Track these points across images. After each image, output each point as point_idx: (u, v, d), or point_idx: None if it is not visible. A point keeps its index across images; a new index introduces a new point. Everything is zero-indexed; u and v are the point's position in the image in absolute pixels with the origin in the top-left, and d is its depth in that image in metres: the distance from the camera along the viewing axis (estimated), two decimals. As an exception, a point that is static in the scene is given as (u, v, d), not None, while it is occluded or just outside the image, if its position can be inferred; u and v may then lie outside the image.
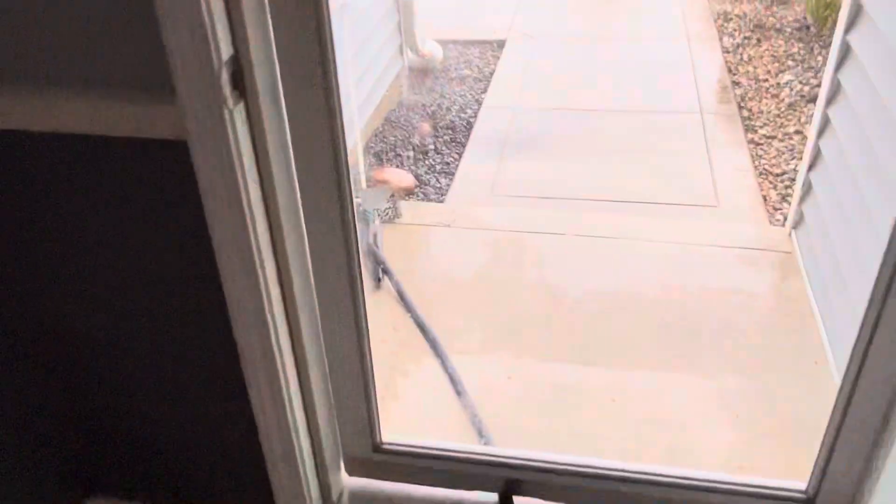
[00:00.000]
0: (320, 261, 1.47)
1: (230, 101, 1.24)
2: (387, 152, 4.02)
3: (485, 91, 4.67)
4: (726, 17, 5.52)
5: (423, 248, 3.05)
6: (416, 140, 4.12)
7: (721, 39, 5.17)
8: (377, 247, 2.95)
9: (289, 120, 1.39)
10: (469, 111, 4.42)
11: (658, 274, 2.91)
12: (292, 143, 1.41)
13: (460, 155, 3.97)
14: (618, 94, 4.49)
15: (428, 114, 4.39)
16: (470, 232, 3.15)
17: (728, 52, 4.99)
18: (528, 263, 2.98)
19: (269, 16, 1.26)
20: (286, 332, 1.46)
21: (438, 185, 3.72)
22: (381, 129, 4.25)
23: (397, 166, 3.88)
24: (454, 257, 3.01)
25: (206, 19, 1.12)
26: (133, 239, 1.27)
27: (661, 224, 3.19)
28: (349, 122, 3.44)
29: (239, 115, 1.28)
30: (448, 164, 3.90)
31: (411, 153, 4.01)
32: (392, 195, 3.24)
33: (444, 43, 5.24)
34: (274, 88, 1.30)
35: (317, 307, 1.52)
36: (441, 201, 3.59)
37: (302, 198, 1.43)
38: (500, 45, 5.28)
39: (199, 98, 1.21)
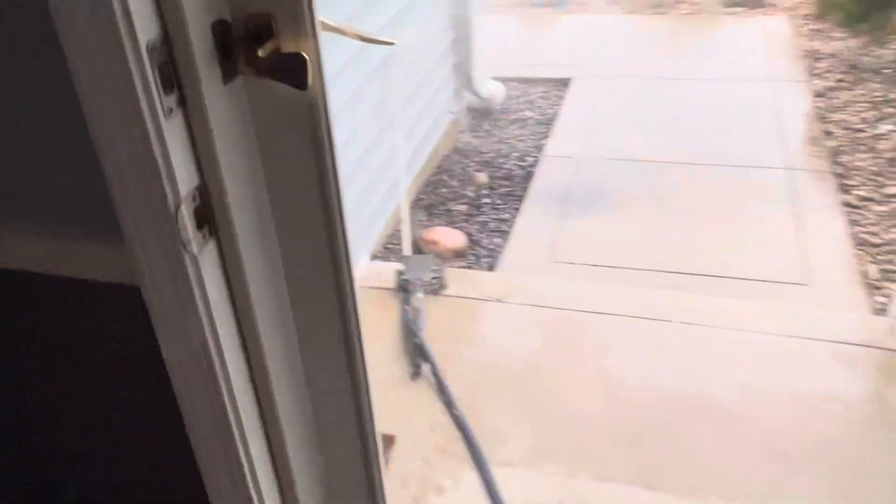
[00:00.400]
0: (326, 429, 1.17)
1: (194, 245, 0.95)
2: (438, 206, 3.74)
3: (546, 136, 4.35)
4: (815, 56, 5.05)
5: (469, 327, 2.73)
6: (470, 192, 3.81)
7: (810, 82, 4.72)
8: (418, 328, 2.64)
9: (282, 258, 1.09)
10: (529, 159, 4.11)
11: (737, 372, 2.52)
12: (287, 286, 1.11)
13: (517, 211, 3.65)
14: (693, 143, 4.09)
15: (485, 162, 4.09)
16: (523, 309, 2.81)
17: (818, 96, 4.54)
18: (588, 350, 2.62)
19: (250, 134, 0.97)
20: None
21: (492, 247, 3.41)
22: (434, 178, 3.97)
23: (448, 223, 3.58)
24: (504, 340, 2.67)
25: (156, 146, 0.83)
26: (86, 379, 1.14)
27: (740, 308, 2.79)
28: (394, 184, 3.16)
29: (208, 257, 0.98)
30: (503, 221, 3.59)
31: (464, 207, 3.71)
32: (438, 264, 2.92)
33: (505, 81, 4.95)
34: (258, 222, 1.01)
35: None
36: (493, 267, 3.27)
37: (301, 350, 1.14)
38: (565, 84, 4.96)
39: (151, 240, 0.93)
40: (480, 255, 3.33)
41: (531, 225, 3.50)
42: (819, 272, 3.10)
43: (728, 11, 5.83)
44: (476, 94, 4.33)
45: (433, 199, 3.76)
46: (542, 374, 2.54)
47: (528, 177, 3.91)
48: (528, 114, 4.62)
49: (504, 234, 3.47)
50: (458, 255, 3.31)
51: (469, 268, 3.27)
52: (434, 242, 3.30)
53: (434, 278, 2.88)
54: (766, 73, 4.84)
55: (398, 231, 3.27)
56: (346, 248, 1.12)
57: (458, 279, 2.99)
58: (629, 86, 4.80)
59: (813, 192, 3.63)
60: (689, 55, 5.17)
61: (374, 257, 3.28)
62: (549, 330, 2.72)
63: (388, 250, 3.34)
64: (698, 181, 3.77)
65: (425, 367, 2.53)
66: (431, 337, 2.69)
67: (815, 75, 4.80)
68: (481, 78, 4.38)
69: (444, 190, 3.83)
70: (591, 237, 3.38)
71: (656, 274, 3.14)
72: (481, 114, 4.56)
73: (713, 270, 3.15)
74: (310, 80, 0.95)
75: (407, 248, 3.14)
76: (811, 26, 5.48)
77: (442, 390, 2.46)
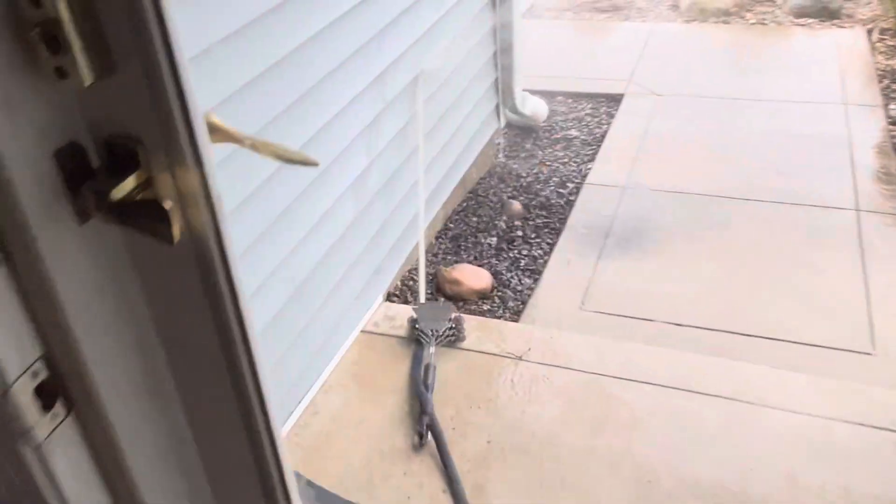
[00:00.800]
0: None
1: (37, 431, 0.72)
2: (466, 237, 3.48)
3: (592, 160, 4.04)
4: (894, 76, 4.59)
5: (483, 388, 2.46)
6: (503, 222, 3.54)
7: (886, 107, 4.28)
8: (427, 388, 2.39)
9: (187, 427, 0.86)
10: (570, 185, 3.82)
11: (783, 463, 2.20)
12: (193, 463, 0.87)
13: (551, 247, 3.37)
14: (752, 175, 3.73)
15: (522, 187, 3.82)
16: (545, 370, 2.54)
17: (894, 124, 4.10)
18: (613, 425, 2.34)
19: (123, 281, 0.73)
20: None
21: (520, 288, 3.14)
22: (465, 205, 3.72)
23: (475, 257, 3.32)
24: (520, 407, 2.40)
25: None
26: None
27: (790, 382, 2.46)
28: (413, 219, 2.91)
29: (61, 440, 0.75)
30: (535, 258, 3.32)
31: (494, 239, 3.45)
32: (455, 314, 2.68)
33: (551, 95, 4.66)
34: (140, 388, 0.78)
35: None
36: (519, 312, 3.00)
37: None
38: (617, 101, 4.62)
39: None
40: (506, 297, 3.07)
41: (565, 264, 3.22)
42: (886, 339, 2.73)
43: (798, 23, 5.39)
44: (517, 111, 4.06)
45: (461, 230, 3.52)
46: (559, 450, 2.27)
47: (566, 207, 3.62)
48: (573, 133, 4.32)
49: (535, 273, 3.20)
50: (483, 296, 3.06)
51: (492, 311, 3.01)
52: (457, 282, 3.05)
53: (450, 329, 2.65)
54: (838, 96, 4.42)
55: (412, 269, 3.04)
56: (266, 416, 0.87)
57: (478, 329, 2.74)
58: (685, 105, 4.44)
59: (886, 240, 3.24)
60: (753, 72, 4.77)
61: (392, 295, 3.05)
62: (571, 397, 2.44)
63: (406, 288, 3.11)
64: (755, 220, 3.42)
65: (430, 438, 2.28)
66: (441, 398, 2.44)
67: (893, 98, 4.36)
68: (523, 94, 4.10)
69: (475, 219, 3.57)
70: (628, 282, 3.07)
71: (698, 332, 2.82)
72: (522, 132, 4.29)
73: (764, 330, 2.81)
74: (177, 234, 0.70)
75: (422, 294, 2.90)
76: (890, 42, 5.00)
77: (446, 465, 2.21)
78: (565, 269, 3.18)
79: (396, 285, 3.11)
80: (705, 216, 3.46)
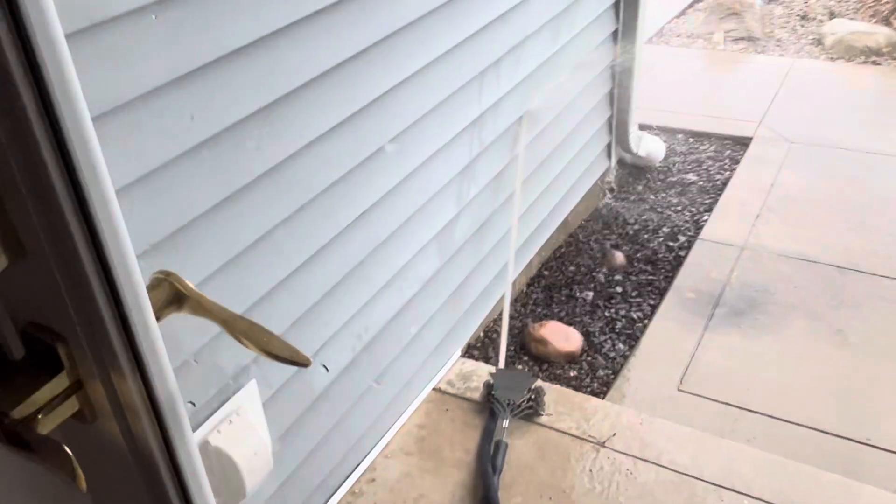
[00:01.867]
0: None
1: None
2: (561, 288, 3.26)
3: (709, 210, 3.71)
4: None
5: (556, 476, 2.22)
6: (602, 274, 3.31)
7: None
8: (495, 469, 2.17)
9: None
10: (681, 238, 3.52)
11: None
12: None
13: (653, 310, 3.09)
14: (893, 249, 3.29)
15: (627, 236, 3.57)
16: (630, 462, 2.26)
17: None
18: (702, 542, 2.04)
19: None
20: None
21: (612, 355, 2.89)
22: (563, 251, 3.49)
23: (567, 314, 3.11)
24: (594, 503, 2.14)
25: None
26: None
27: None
28: (502, 269, 2.72)
29: None
30: (634, 321, 3.06)
31: (591, 294, 3.21)
32: (536, 383, 2.46)
33: (670, 132, 4.35)
34: None
35: None
36: (608, 384, 2.74)
37: None
38: (744, 144, 4.25)
39: None
40: (597, 364, 2.82)
41: (666, 331, 2.93)
42: None
43: (964, 69, 4.80)
44: (630, 151, 3.80)
45: (556, 279, 3.31)
46: (635, 564, 1.99)
47: (675, 263, 3.33)
48: (690, 178, 4.01)
49: (631, 339, 2.95)
50: (571, 360, 2.83)
51: (579, 378, 2.78)
52: (544, 341, 2.84)
53: (529, 400, 2.45)
54: None
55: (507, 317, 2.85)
56: None
57: (559, 401, 2.50)
58: (821, 156, 4.01)
59: None
60: (905, 125, 4.26)
61: (471, 348, 2.87)
62: (656, 500, 2.16)
63: (488, 340, 2.94)
64: (893, 303, 3.00)
65: (490, 531, 2.06)
66: (508, 481, 2.22)
67: None
68: (639, 133, 3.82)
69: (572, 268, 3.35)
70: (736, 363, 2.75)
71: (811, 434, 2.47)
72: (634, 173, 4.03)
73: (892, 442, 2.42)
74: (82, 484, 0.50)
75: (502, 356, 2.69)
76: None
77: (504, 566, 1.98)
78: (666, 339, 2.89)
79: (478, 336, 2.93)
80: (834, 292, 3.07)
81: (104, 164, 0.51)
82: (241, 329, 0.62)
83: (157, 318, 0.60)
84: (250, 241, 1.59)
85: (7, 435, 0.52)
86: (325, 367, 1.88)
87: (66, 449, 0.51)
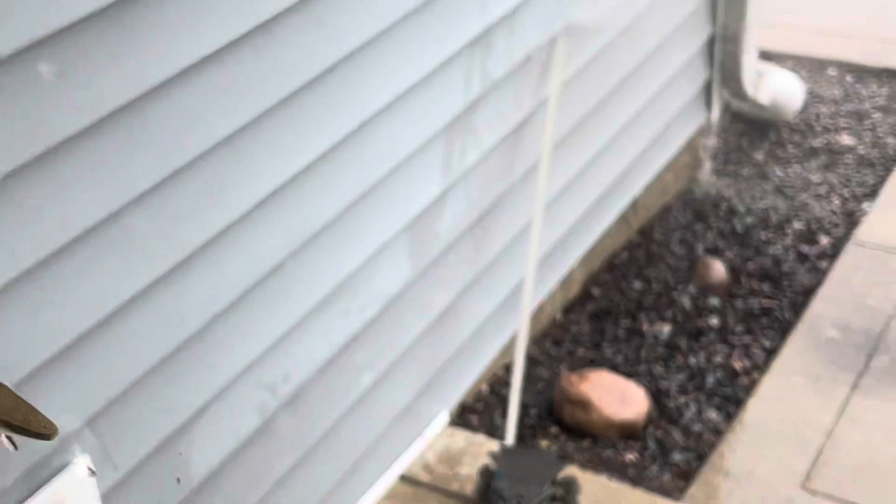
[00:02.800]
0: None
1: None
2: (618, 316, 3.30)
3: (871, 195, 3.76)
4: None
5: None
6: (686, 296, 3.34)
7: None
8: None
9: None
10: (823, 241, 3.57)
11: None
12: None
13: (769, 355, 3.12)
14: None
15: (734, 234, 3.61)
16: None
17: None
18: None
19: None
20: None
21: (696, 429, 2.91)
22: (624, 254, 3.53)
23: (624, 361, 3.13)
24: None
25: None
26: None
27: None
28: (515, 287, 2.76)
29: None
30: (736, 374, 3.08)
31: (668, 328, 3.24)
32: (565, 472, 2.53)
33: (814, 66, 4.35)
34: None
35: None
36: (684, 478, 2.76)
37: None
38: (933, 89, 4.26)
39: None
40: (670, 444, 2.84)
41: (789, 392, 2.94)
42: None
43: None
44: (744, 96, 3.80)
45: (612, 300, 3.33)
46: None
47: (810, 281, 3.36)
48: (845, 140, 4.06)
49: (731, 404, 2.96)
50: (629, 434, 2.86)
51: (640, 466, 2.79)
52: (585, 403, 2.86)
53: (553, 499, 2.48)
54: None
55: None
56: None
57: (597, 496, 2.50)
58: None
59: None
60: None
61: (466, 411, 2.93)
62: None
63: (495, 396, 2.97)
64: None
65: None
66: None
67: None
68: (759, 67, 3.82)
69: (638, 285, 3.37)
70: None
71: None
72: (751, 131, 4.06)
73: None
74: None
75: (512, 424, 2.70)
76: None
77: None
78: (788, 404, 2.90)
79: (477, 392, 2.97)
80: None
81: None
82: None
83: None
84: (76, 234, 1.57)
85: None
86: (177, 479, 1.89)
87: None
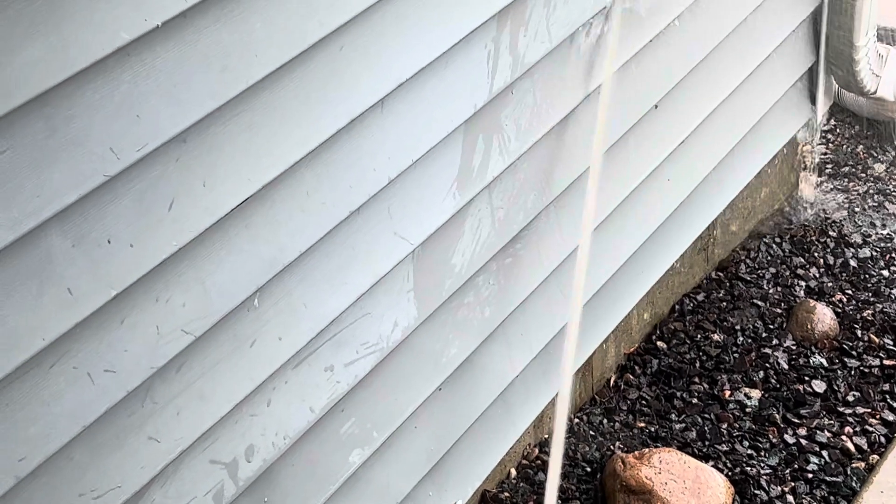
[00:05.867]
0: None
1: None
2: (692, 377, 3.29)
3: None
4: None
5: None
6: (782, 350, 3.35)
7: None
8: None
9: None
10: None
11: None
12: None
13: (894, 431, 3.14)
14: None
15: (844, 267, 3.62)
16: None
17: None
18: None
19: None
20: None
21: None
22: (699, 295, 3.53)
23: (700, 435, 3.12)
24: None
25: None
26: None
27: None
28: (553, 339, 2.76)
29: None
30: (849, 455, 3.10)
31: (756, 393, 3.23)
32: None
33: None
34: None
35: None
36: None
37: None
38: None
39: None
40: None
41: None
42: None
43: None
44: (860, 86, 3.78)
45: (683, 356, 3.34)
46: None
47: None
48: None
49: (841, 495, 2.98)
50: None
51: None
52: (645, 493, 2.87)
53: None
54: None
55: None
56: None
57: None
58: None
59: None
60: None
61: (486, 502, 2.94)
62: None
63: (525, 485, 2.97)
64: None
65: None
66: None
67: None
68: (880, 50, 3.82)
69: (717, 335, 3.38)
70: None
71: None
72: (868, 131, 4.09)
73: None
74: None
75: None
76: None
77: None
78: None
79: (504, 476, 2.98)
80: None
81: None
82: None
83: None
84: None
85: None
86: None
87: None
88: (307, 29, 1.99)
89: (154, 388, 1.94)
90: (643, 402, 3.26)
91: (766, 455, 3.09)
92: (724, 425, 3.17)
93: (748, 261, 3.65)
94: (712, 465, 3.01)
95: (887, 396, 3.21)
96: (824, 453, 3.08)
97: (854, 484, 2.99)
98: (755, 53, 3.39)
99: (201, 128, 1.86)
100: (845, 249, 3.67)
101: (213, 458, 2.09)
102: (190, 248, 1.90)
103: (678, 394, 3.27)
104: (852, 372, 3.29)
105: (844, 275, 3.60)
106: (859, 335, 3.40)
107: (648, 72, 2.95)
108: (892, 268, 3.61)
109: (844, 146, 4.03)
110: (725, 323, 3.46)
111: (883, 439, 3.10)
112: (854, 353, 3.34)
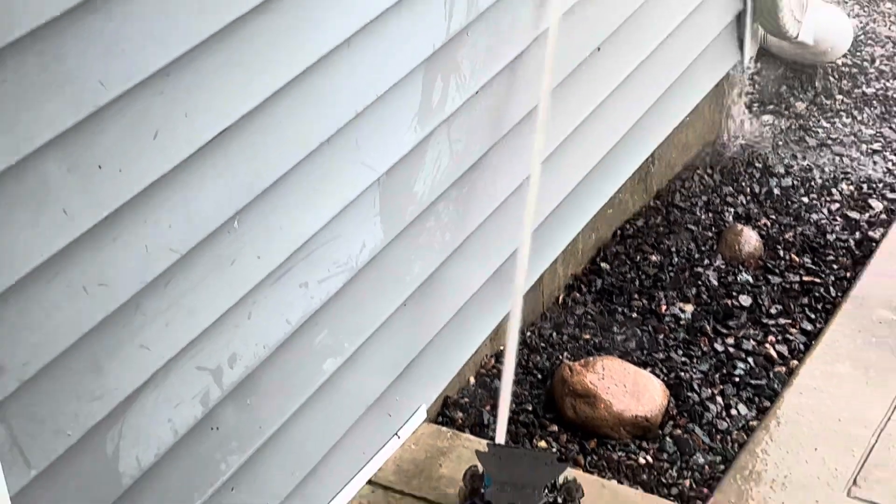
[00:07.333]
0: None
1: None
2: (632, 294, 3.30)
3: (934, 151, 3.73)
4: None
5: None
6: (713, 269, 3.35)
7: None
8: None
9: None
10: (875, 206, 3.59)
11: None
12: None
13: (811, 340, 3.14)
14: None
15: (767, 195, 3.61)
16: None
17: None
18: None
19: None
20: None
21: (723, 427, 2.94)
22: (640, 221, 3.54)
23: (637, 346, 3.15)
24: None
25: None
26: None
27: None
28: (508, 259, 2.76)
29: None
30: (771, 361, 3.10)
31: (689, 308, 3.22)
32: (566, 473, 2.52)
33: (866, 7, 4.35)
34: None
35: None
36: (707, 485, 2.78)
37: None
38: None
39: None
40: (692, 444, 2.85)
41: (833, 383, 2.96)
42: None
43: None
44: (783, 32, 3.77)
45: (625, 275, 3.34)
46: None
47: (860, 254, 3.39)
48: (902, 90, 4.02)
49: (764, 397, 2.98)
50: (643, 432, 2.87)
51: (654, 470, 2.80)
52: (591, 396, 2.87)
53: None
54: None
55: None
56: None
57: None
58: None
59: None
60: None
61: (448, 406, 2.92)
62: None
63: (482, 391, 2.96)
64: None
65: None
66: None
67: None
68: (799, 3, 3.79)
69: (655, 258, 3.37)
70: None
71: None
72: (790, 75, 4.07)
73: None
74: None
75: (503, 420, 2.70)
76: None
77: None
78: (831, 397, 2.91)
79: (463, 383, 2.96)
80: None
81: None
82: None
83: None
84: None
85: None
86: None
87: None
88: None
89: (144, 302, 1.92)
90: (588, 316, 3.25)
91: (698, 362, 3.10)
92: (661, 336, 3.18)
93: (683, 190, 3.65)
94: (650, 371, 3.02)
95: (806, 309, 3.23)
96: (750, 360, 3.10)
97: (776, 386, 3.01)
98: (688, 2, 3.37)
99: (183, 63, 1.83)
100: (769, 179, 3.67)
101: (199, 365, 2.09)
102: (174, 174, 1.88)
103: (619, 309, 3.26)
104: (775, 287, 3.30)
105: (769, 202, 3.59)
106: (781, 255, 3.41)
107: (591, 17, 2.95)
108: (812, 195, 3.61)
109: (769, 87, 4.01)
110: (662, 246, 3.45)
111: (802, 346, 3.12)
112: (777, 271, 3.36)
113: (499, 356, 3.00)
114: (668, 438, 2.90)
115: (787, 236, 3.45)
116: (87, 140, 1.72)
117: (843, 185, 3.63)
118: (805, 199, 3.58)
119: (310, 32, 2.14)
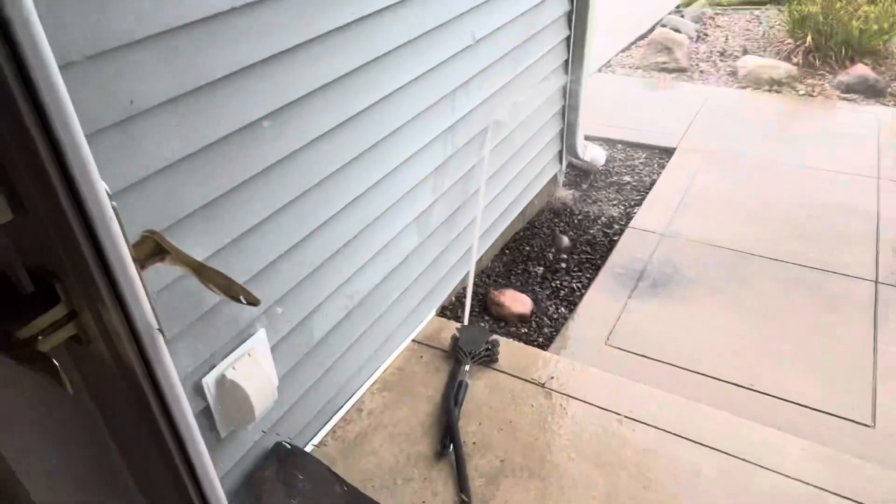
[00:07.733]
0: None
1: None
2: (518, 263, 3.24)
3: (638, 205, 3.70)
4: (932, 156, 3.99)
5: (507, 409, 2.24)
6: (551, 254, 3.29)
7: (920, 185, 3.71)
8: (456, 403, 2.19)
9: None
10: (616, 226, 3.51)
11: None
12: None
13: (590, 281, 3.09)
14: (783, 237, 3.31)
15: (573, 224, 3.55)
16: (562, 400, 2.28)
17: (926, 203, 3.55)
18: (616, 463, 2.06)
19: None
20: None
21: (556, 316, 2.89)
22: (522, 234, 3.49)
23: (522, 284, 3.09)
24: (534, 431, 2.16)
25: None
26: None
27: (790, 445, 2.11)
28: (469, 249, 2.69)
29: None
30: (574, 290, 3.05)
31: (541, 269, 3.20)
32: (493, 337, 2.45)
33: (611, 143, 4.33)
34: None
35: None
36: (550, 340, 2.75)
37: None
38: (669, 154, 4.23)
39: None
40: (543, 324, 2.82)
41: (599, 299, 2.92)
42: (887, 415, 2.32)
43: (845, 97, 4.79)
44: (578, 157, 3.77)
45: (514, 256, 3.28)
46: (563, 479, 2.02)
47: (609, 246, 3.32)
48: (626, 179, 3.99)
49: (571, 304, 2.94)
50: (522, 320, 2.82)
51: (528, 335, 2.77)
52: (501, 305, 2.84)
53: (486, 350, 2.43)
54: (873, 169, 3.88)
55: (475, 287, 2.82)
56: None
57: (510, 353, 2.50)
58: (730, 164, 4.01)
59: (899, 314, 2.78)
60: (796, 139, 4.26)
61: (445, 309, 2.86)
62: (581, 429, 2.18)
63: (459, 304, 2.92)
64: (779, 280, 3.01)
65: (450, 452, 2.08)
66: (467, 413, 2.23)
67: (927, 178, 3.78)
68: (585, 143, 3.80)
69: (527, 248, 3.33)
70: (653, 324, 2.76)
71: (709, 381, 2.49)
72: (581, 174, 3.99)
73: (771, 388, 2.45)
74: (69, 387, 0.52)
75: (467, 316, 2.69)
76: (933, 124, 4.36)
77: (461, 477, 2.00)
78: (598, 305, 2.89)
79: (450, 300, 2.91)
80: (734, 271, 3.08)
81: (88, 151, 0.52)
82: (208, 275, 0.63)
83: (143, 266, 0.61)
84: (261, 219, 1.59)
85: (13, 352, 0.53)
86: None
87: (54, 361, 0.52)
88: None
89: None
90: (500, 272, 3.18)
91: (545, 290, 3.05)
92: (530, 280, 3.12)
93: (539, 220, 3.59)
94: (526, 294, 2.97)
95: (588, 269, 3.16)
96: (566, 290, 3.04)
97: (576, 300, 2.96)
98: (541, 143, 3.30)
99: None
100: (572, 215, 3.61)
101: (344, 294, 2.00)
102: None
103: (513, 269, 3.20)
104: (575, 260, 3.25)
105: (573, 225, 3.53)
106: (578, 247, 3.35)
107: (503, 150, 2.84)
108: (589, 223, 3.52)
109: (572, 178, 3.93)
110: (530, 243, 3.39)
111: (586, 284, 3.05)
112: (576, 253, 3.29)
113: (465, 289, 2.94)
114: (533, 322, 2.85)
115: (580, 239, 3.40)
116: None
117: (602, 219, 3.56)
118: (587, 224, 3.51)
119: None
